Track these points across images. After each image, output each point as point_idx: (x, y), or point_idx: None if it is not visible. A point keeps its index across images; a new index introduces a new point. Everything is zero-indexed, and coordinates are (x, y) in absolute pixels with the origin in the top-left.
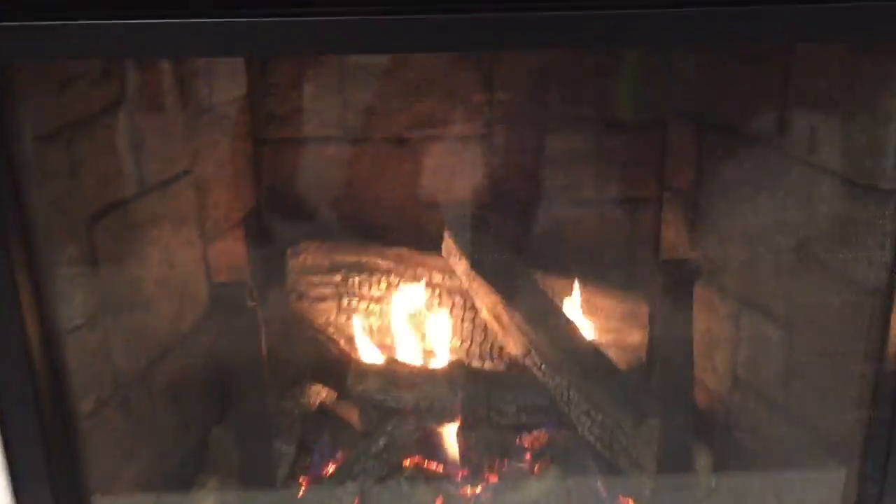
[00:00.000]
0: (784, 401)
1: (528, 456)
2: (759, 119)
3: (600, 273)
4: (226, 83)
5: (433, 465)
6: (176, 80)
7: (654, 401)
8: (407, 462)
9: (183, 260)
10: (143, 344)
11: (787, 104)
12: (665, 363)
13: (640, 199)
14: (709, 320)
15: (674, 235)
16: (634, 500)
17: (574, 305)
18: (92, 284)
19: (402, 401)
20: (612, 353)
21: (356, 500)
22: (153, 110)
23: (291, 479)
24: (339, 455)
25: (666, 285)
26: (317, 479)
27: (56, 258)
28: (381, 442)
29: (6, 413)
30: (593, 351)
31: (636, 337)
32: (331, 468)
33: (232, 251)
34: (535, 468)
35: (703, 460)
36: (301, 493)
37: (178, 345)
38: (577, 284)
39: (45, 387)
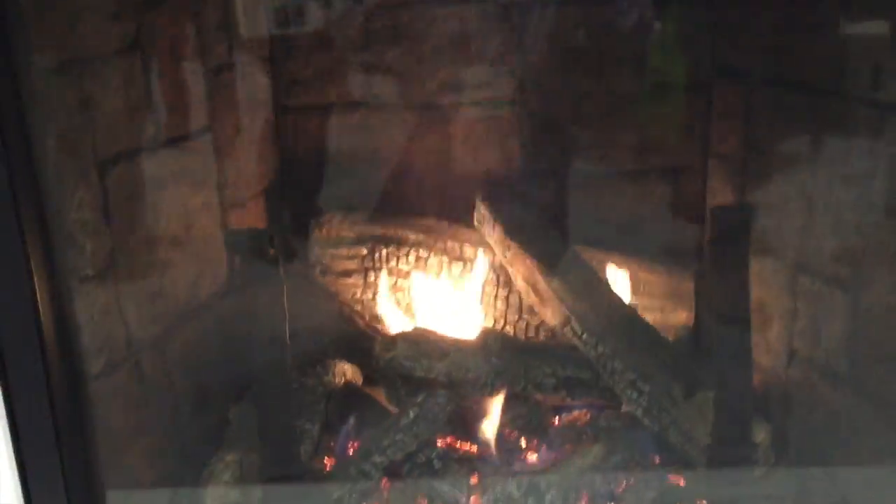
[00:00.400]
0: (847, 371)
1: (569, 432)
2: (813, 63)
3: (641, 245)
4: (247, 42)
5: (466, 442)
6: (195, 31)
7: (708, 369)
8: (438, 437)
9: (201, 224)
10: (157, 308)
11: (842, 42)
12: (719, 325)
13: (683, 168)
14: (760, 293)
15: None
16: (686, 478)
17: (615, 277)
18: (104, 235)
19: (432, 370)
20: (657, 324)
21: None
22: (171, 60)
23: (315, 458)
24: (365, 434)
25: (719, 233)
26: (342, 457)
27: (66, 201)
28: (412, 414)
29: (10, 368)
30: (637, 318)
31: (681, 310)
32: (356, 445)
33: (253, 222)
34: (578, 445)
35: (761, 434)
36: (326, 468)
37: (196, 314)
38: (616, 256)
39: (52, 340)
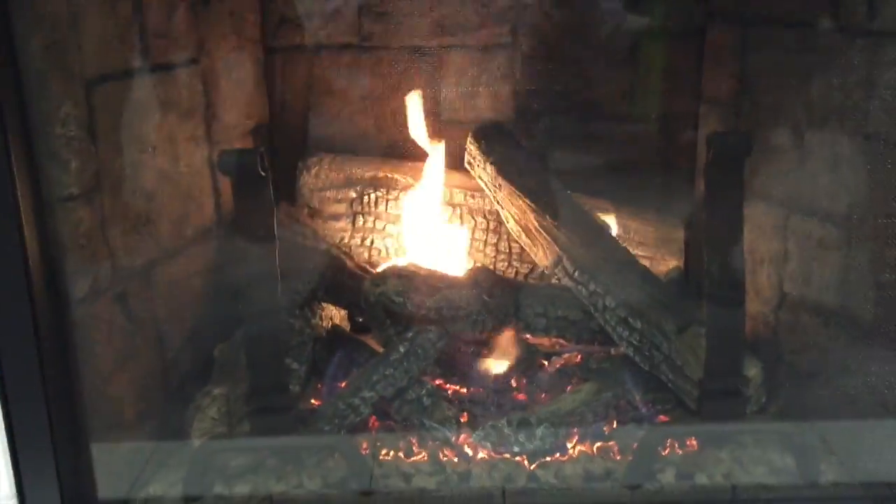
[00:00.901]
0: (840, 309)
1: (559, 373)
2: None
3: (631, 193)
4: None
5: (456, 381)
6: None
7: (700, 303)
8: (428, 375)
9: (189, 157)
10: (143, 238)
11: None
12: (713, 256)
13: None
14: (751, 237)
15: None
16: (676, 417)
17: (608, 222)
18: (89, 154)
19: (423, 306)
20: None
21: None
22: None
23: (302, 398)
24: (353, 373)
25: (715, 159)
26: (330, 393)
27: (51, 115)
28: (402, 349)
29: None
30: (629, 257)
31: (670, 257)
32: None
33: None
34: (570, 383)
35: (752, 370)
36: (314, 405)
37: (183, 250)
38: (606, 203)
39: (36, 257)
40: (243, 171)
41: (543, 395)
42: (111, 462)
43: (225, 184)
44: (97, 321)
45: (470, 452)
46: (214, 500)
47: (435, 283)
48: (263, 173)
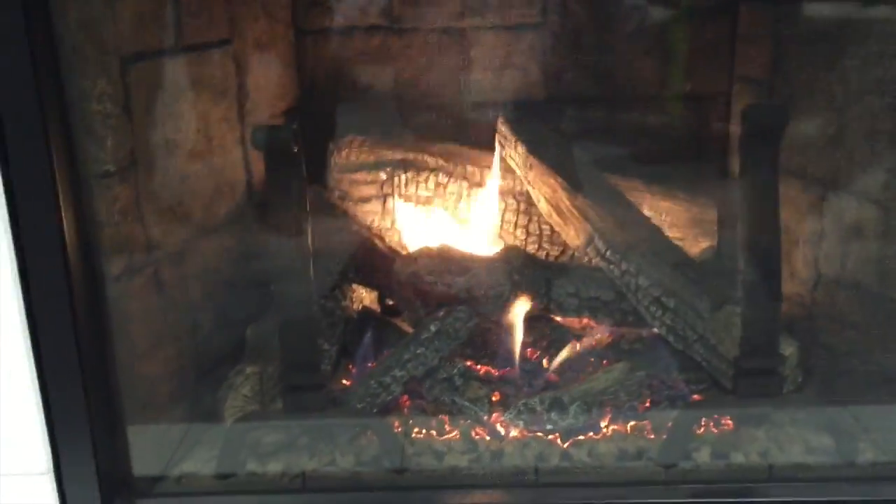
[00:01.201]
0: (877, 288)
1: (591, 354)
2: None
3: (663, 173)
4: None
5: (487, 361)
6: None
7: (735, 283)
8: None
9: (221, 137)
10: (177, 217)
11: None
12: (748, 232)
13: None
14: (785, 216)
15: None
16: (710, 397)
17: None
18: (125, 131)
19: (453, 286)
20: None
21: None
22: None
23: (333, 379)
24: (384, 354)
25: (751, 133)
26: (361, 373)
27: (87, 91)
28: (433, 328)
29: (31, 260)
30: (661, 236)
31: (703, 239)
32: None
33: None
34: (602, 363)
35: (789, 349)
36: (343, 385)
37: (215, 230)
38: (638, 183)
39: (73, 234)
40: (276, 146)
41: (576, 375)
42: (146, 440)
43: (257, 164)
44: (132, 300)
45: (502, 431)
46: (247, 478)
47: (466, 262)
48: (296, 149)
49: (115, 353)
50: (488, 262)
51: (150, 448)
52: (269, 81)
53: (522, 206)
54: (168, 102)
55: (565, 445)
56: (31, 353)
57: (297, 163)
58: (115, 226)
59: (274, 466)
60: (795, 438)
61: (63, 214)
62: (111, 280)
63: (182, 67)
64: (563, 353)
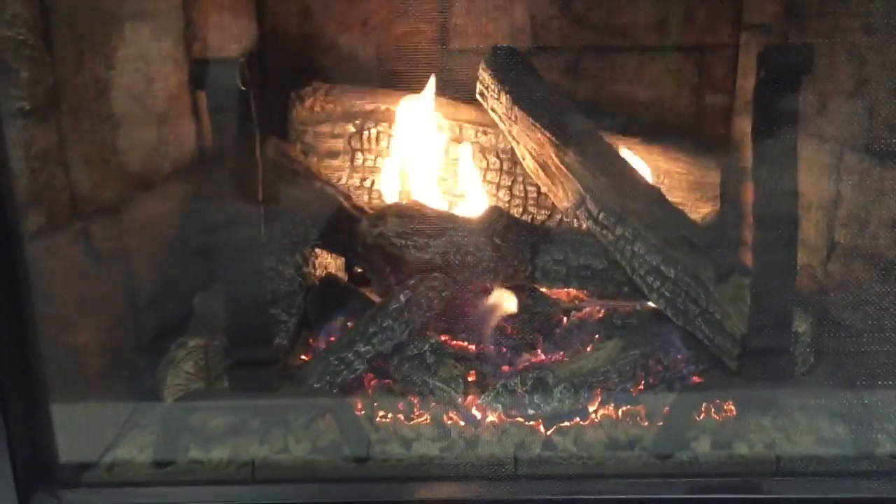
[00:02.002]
0: None
1: (580, 329)
2: None
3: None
4: None
5: (463, 335)
6: None
7: (744, 251)
8: (431, 329)
9: (165, 80)
10: (111, 169)
11: None
12: (762, 191)
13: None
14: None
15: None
16: (713, 379)
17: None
18: (44, 64)
19: (427, 249)
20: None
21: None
22: None
23: (291, 353)
24: (349, 326)
25: (768, 77)
26: (321, 347)
27: None
28: (402, 298)
29: None
30: (660, 198)
31: (705, 203)
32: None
33: None
34: (592, 339)
35: (802, 325)
36: (304, 361)
37: (158, 183)
38: (634, 142)
39: None
40: (220, 83)
41: (562, 353)
42: (75, 422)
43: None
44: (55, 261)
45: (478, 415)
46: (189, 465)
47: (441, 223)
48: (244, 88)
49: (34, 321)
50: (466, 225)
51: (79, 431)
52: (222, 19)
53: (506, 165)
54: (100, 34)
55: (548, 432)
56: None
57: (246, 105)
58: (33, 173)
59: (219, 453)
60: (806, 427)
61: None
62: (28, 236)
63: None
64: (549, 328)
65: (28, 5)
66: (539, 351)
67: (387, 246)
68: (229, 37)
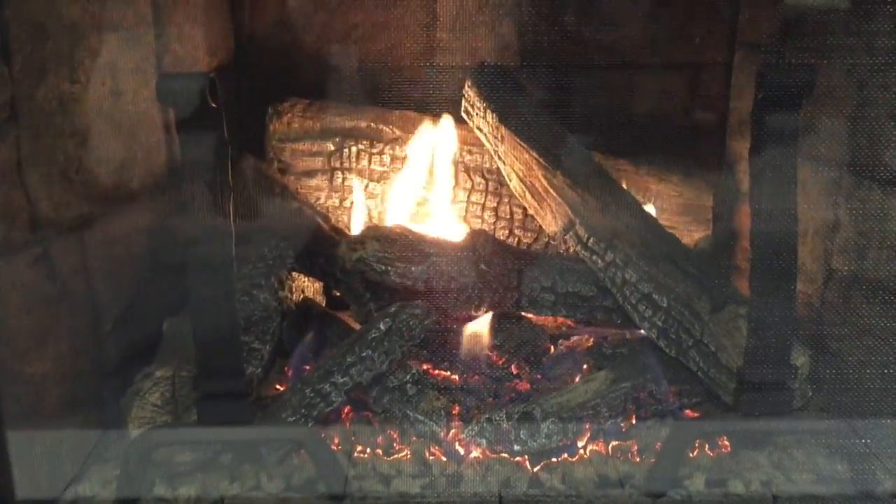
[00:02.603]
0: None
1: (568, 359)
2: None
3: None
4: None
5: (446, 365)
6: None
7: (738, 279)
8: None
9: (133, 93)
10: (74, 188)
11: None
12: (760, 219)
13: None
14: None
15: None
16: (706, 412)
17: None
18: (1, 77)
19: (409, 276)
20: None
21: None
22: None
23: (265, 382)
24: (326, 354)
25: (767, 98)
26: (297, 378)
27: None
28: (382, 326)
29: None
30: (653, 223)
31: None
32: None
33: None
34: (581, 370)
35: (801, 358)
36: (277, 391)
37: (125, 203)
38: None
39: None
40: (189, 100)
41: (550, 385)
42: (33, 455)
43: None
44: (10, 286)
45: (461, 451)
46: (154, 503)
47: (424, 248)
48: (215, 105)
49: None
50: (450, 249)
51: (38, 465)
52: (195, 31)
53: (491, 186)
54: (62, 46)
55: (535, 469)
56: None
57: (216, 122)
58: None
59: (187, 490)
60: (804, 464)
61: None
62: None
63: (81, 3)
64: (536, 358)
65: None
66: (526, 382)
67: (367, 271)
68: (203, 49)
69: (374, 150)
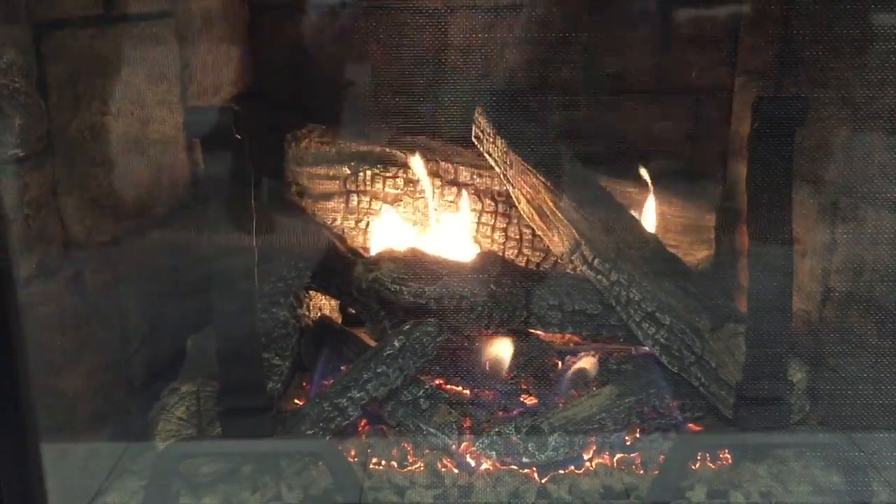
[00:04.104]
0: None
1: (575, 374)
2: None
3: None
4: None
5: (458, 380)
6: None
7: (737, 298)
8: (426, 375)
9: (160, 122)
10: (104, 212)
11: None
12: (756, 241)
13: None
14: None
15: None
16: (708, 426)
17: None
18: (39, 111)
19: (422, 295)
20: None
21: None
22: None
23: (284, 396)
24: (343, 370)
25: (762, 129)
26: (315, 393)
27: None
28: (397, 344)
29: None
30: (657, 244)
31: (700, 246)
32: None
33: None
34: (587, 386)
35: (798, 374)
36: (297, 406)
37: (151, 227)
38: (630, 184)
39: None
40: (215, 132)
41: (557, 399)
42: (65, 467)
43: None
44: (47, 305)
45: (472, 463)
46: None
47: (436, 269)
48: (239, 136)
49: (25, 366)
50: (462, 269)
51: (69, 476)
52: (218, 62)
53: (501, 208)
54: (95, 80)
55: (543, 481)
56: None
57: (240, 151)
58: (26, 219)
59: (211, 500)
60: (802, 476)
61: None
62: (21, 283)
63: (112, 40)
64: (544, 374)
65: (23, 53)
66: (534, 397)
67: (382, 290)
68: (225, 79)
69: (388, 174)
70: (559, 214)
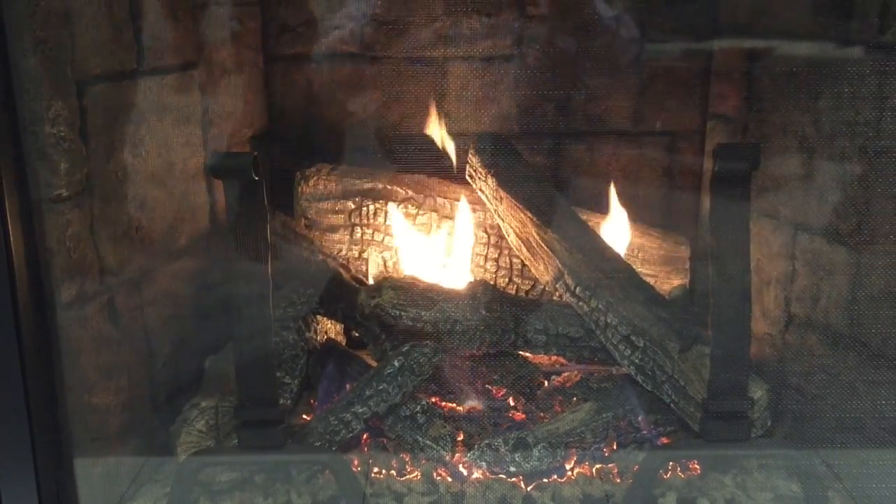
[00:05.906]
0: (849, 331)
1: (558, 392)
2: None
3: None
4: None
5: (452, 397)
6: None
7: (705, 323)
8: (423, 392)
9: (183, 163)
10: (134, 244)
11: None
12: (718, 272)
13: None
14: (756, 256)
15: None
16: (678, 439)
17: (610, 238)
18: (80, 155)
19: (419, 319)
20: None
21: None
22: None
23: (294, 412)
24: (347, 388)
25: (721, 172)
26: (322, 408)
27: (41, 113)
28: (396, 363)
29: None
30: (632, 274)
31: (675, 276)
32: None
33: None
34: (569, 402)
35: (758, 391)
36: (305, 420)
37: (175, 258)
38: (609, 219)
39: (21, 258)
40: (236, 174)
41: (541, 415)
42: (94, 476)
43: (221, 192)
44: (83, 329)
45: (464, 472)
46: None
47: (432, 296)
48: (257, 178)
49: (63, 384)
50: (455, 297)
51: (98, 484)
52: (235, 107)
53: (493, 239)
54: (127, 126)
55: (528, 488)
56: None
57: (258, 191)
58: (67, 252)
59: None
60: (764, 485)
61: (11, 240)
62: (62, 307)
63: (143, 91)
64: (531, 391)
65: (68, 105)
66: (521, 412)
67: (383, 315)
68: (242, 122)
69: (390, 208)
70: (544, 246)
